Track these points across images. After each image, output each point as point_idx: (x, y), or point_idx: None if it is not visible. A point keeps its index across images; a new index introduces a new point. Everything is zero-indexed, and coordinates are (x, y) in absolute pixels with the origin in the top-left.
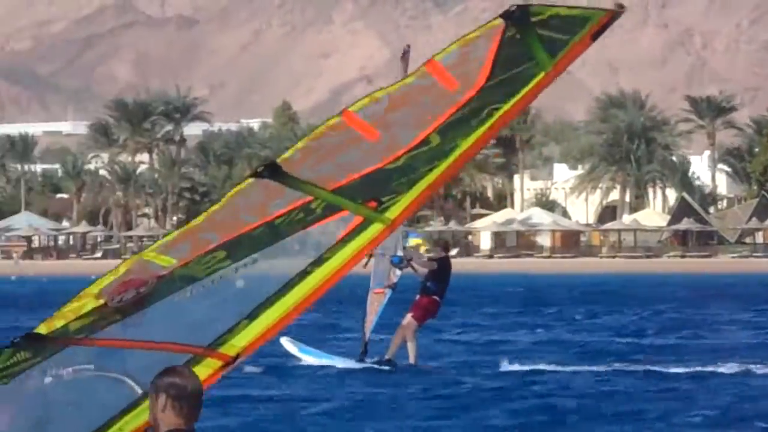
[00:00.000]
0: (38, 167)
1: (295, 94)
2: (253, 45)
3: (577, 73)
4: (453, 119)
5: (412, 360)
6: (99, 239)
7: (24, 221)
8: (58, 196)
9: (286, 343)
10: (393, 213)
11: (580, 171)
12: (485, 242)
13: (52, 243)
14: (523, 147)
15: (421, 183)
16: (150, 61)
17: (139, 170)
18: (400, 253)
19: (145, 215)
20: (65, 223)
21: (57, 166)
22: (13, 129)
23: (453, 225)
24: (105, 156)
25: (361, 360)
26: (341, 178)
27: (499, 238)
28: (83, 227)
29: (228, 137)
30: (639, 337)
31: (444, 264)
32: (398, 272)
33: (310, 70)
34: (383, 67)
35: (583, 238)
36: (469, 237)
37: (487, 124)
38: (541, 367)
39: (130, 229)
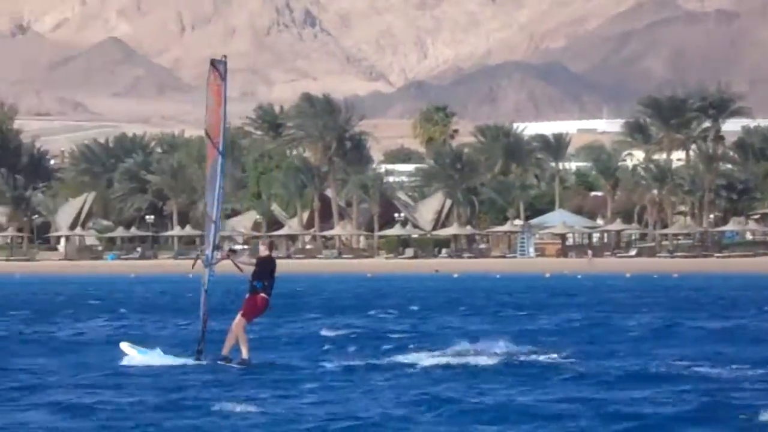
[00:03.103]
0: (572, 165)
1: None
2: None
3: None
4: None
5: (244, 355)
6: (633, 237)
7: (558, 219)
8: (592, 194)
9: (126, 347)
10: None
11: None
12: None
13: (585, 241)
14: None
15: None
16: (686, 56)
17: (674, 167)
18: (209, 252)
19: (681, 213)
20: (599, 221)
21: (590, 164)
22: (548, 127)
23: None
24: (639, 153)
25: (198, 358)
26: None
27: None
28: (617, 225)
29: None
30: None
31: (266, 263)
32: (208, 272)
33: None
34: None
35: None
36: None
37: None
38: None
39: (665, 227)
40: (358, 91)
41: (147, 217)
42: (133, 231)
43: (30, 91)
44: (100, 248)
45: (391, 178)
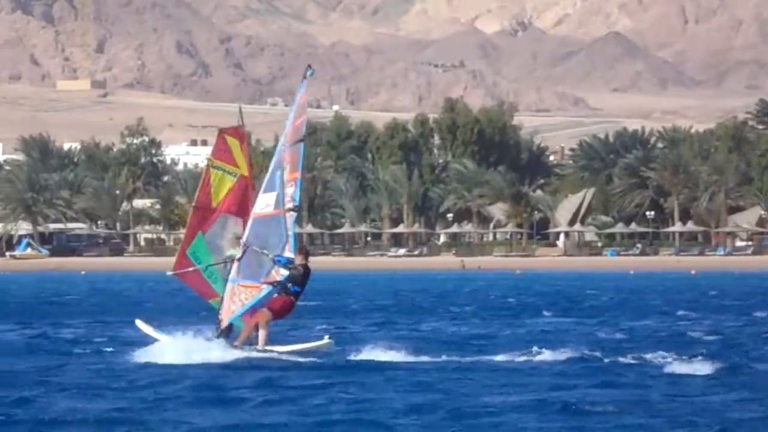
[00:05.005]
0: None
1: None
2: None
3: None
4: None
5: (260, 345)
6: None
7: None
8: None
9: (140, 324)
10: None
11: None
12: None
13: None
14: None
15: None
16: None
17: None
18: (287, 254)
19: None
20: None
21: None
22: None
23: None
24: None
25: (218, 337)
26: None
27: None
28: None
29: None
30: None
31: (306, 270)
32: (283, 271)
33: None
34: None
35: None
36: None
37: None
38: None
39: None
40: None
41: (647, 213)
42: (633, 227)
43: (530, 87)
44: (599, 244)
45: None
